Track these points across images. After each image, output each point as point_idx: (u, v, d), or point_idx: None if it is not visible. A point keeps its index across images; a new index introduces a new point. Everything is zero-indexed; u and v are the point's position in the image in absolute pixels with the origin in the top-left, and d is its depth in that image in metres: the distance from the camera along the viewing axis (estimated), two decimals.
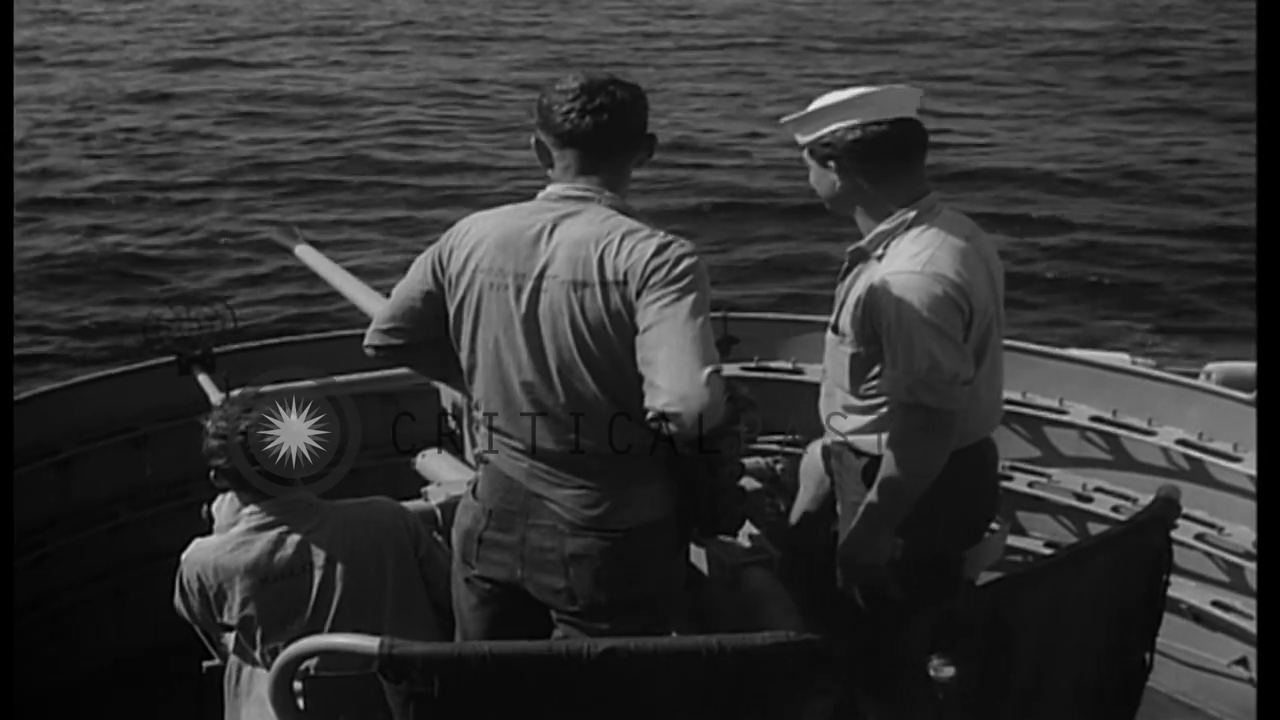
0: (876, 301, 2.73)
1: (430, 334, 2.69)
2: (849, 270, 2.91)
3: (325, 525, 3.01)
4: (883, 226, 2.82)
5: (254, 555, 2.97)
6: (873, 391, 2.83)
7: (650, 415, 2.34)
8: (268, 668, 2.93)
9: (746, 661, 2.18)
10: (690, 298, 2.38)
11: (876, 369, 2.80)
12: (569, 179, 2.57)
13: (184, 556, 3.05)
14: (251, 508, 3.03)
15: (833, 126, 2.80)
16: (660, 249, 2.42)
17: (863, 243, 2.87)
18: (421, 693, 2.11)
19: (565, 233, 2.49)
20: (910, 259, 2.73)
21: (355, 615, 2.94)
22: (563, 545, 2.58)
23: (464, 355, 2.63)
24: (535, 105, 2.60)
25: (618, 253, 2.43)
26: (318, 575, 2.96)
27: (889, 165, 2.80)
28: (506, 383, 2.56)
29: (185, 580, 3.02)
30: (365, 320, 4.36)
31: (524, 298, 2.50)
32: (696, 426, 2.30)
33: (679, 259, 2.41)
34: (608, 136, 2.53)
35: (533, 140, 2.64)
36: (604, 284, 2.43)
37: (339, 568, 2.97)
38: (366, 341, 2.77)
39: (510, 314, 2.52)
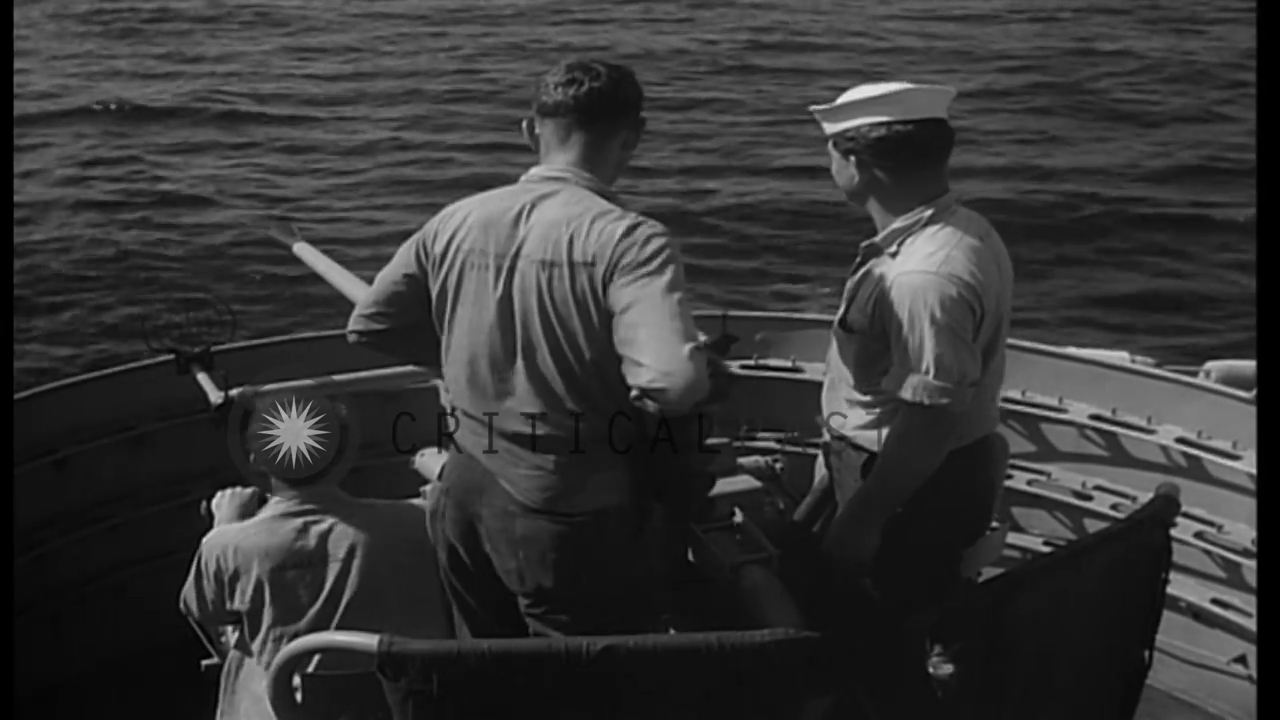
0: (889, 299, 2.72)
1: (412, 319, 2.73)
2: (860, 265, 2.90)
3: (350, 520, 3.04)
4: (898, 223, 2.80)
5: (276, 540, 2.99)
6: (878, 387, 2.83)
7: (634, 394, 2.36)
8: (270, 656, 2.94)
9: (746, 659, 2.18)
10: (664, 276, 2.41)
11: (883, 365, 2.79)
12: (549, 155, 2.63)
13: (205, 540, 3.07)
14: (280, 496, 3.06)
15: (859, 121, 2.79)
16: (628, 231, 2.46)
17: (877, 239, 2.85)
18: (420, 691, 2.11)
19: (541, 213, 2.54)
20: (925, 258, 2.72)
21: (366, 612, 2.96)
22: (513, 526, 2.61)
23: (443, 336, 2.67)
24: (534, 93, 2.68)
25: (587, 235, 2.47)
26: (335, 568, 2.98)
27: (910, 165, 2.79)
28: (475, 361, 2.60)
29: (203, 562, 3.03)
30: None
31: (500, 278, 2.54)
32: (681, 402, 2.32)
33: (648, 239, 2.45)
34: (584, 105, 2.58)
35: (524, 124, 2.70)
36: (571, 265, 2.47)
37: (355, 563, 2.99)
38: (349, 327, 2.82)
39: (486, 293, 2.56)
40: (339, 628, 2.88)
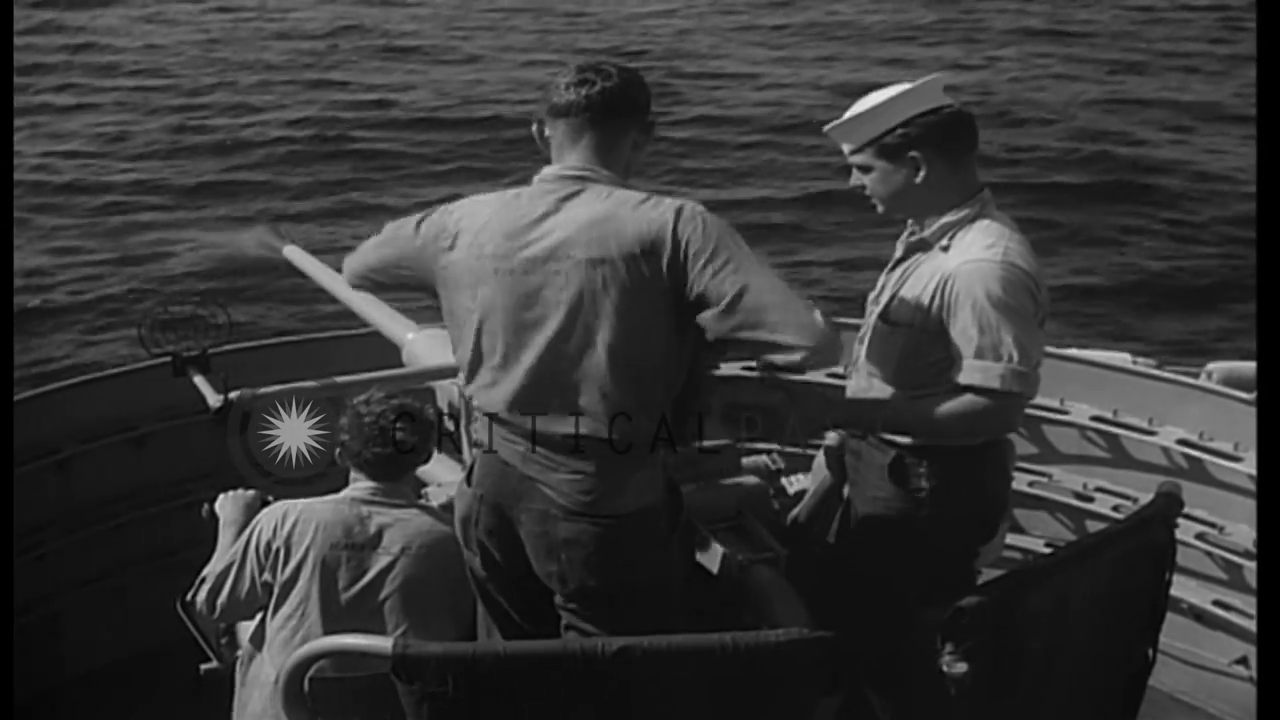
0: (954, 289, 2.70)
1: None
2: (901, 260, 2.89)
3: (413, 521, 3.05)
4: (948, 218, 2.79)
5: (338, 519, 3.01)
6: (919, 381, 2.78)
7: (769, 358, 2.46)
8: (289, 635, 2.94)
9: (758, 659, 2.18)
10: (745, 251, 2.46)
11: (929, 359, 2.76)
12: (562, 156, 2.61)
13: (266, 510, 3.08)
14: (359, 485, 3.08)
15: (904, 115, 2.76)
16: (678, 215, 2.47)
17: (925, 234, 2.83)
18: (435, 693, 2.11)
19: (571, 213, 2.51)
20: (985, 249, 2.70)
21: (400, 614, 2.97)
22: (555, 530, 2.60)
23: (465, 340, 2.64)
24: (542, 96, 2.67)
25: (634, 225, 2.46)
26: (382, 560, 2.99)
27: (966, 147, 2.81)
28: (510, 369, 2.58)
29: (257, 530, 3.02)
30: (359, 321, 4.39)
31: (533, 282, 2.52)
32: (832, 363, 2.42)
33: (703, 221, 2.47)
34: (596, 104, 2.58)
35: (533, 126, 2.69)
36: (625, 258, 2.45)
37: (402, 562, 2.99)
38: (345, 275, 2.94)
39: (515, 300, 2.54)
40: (374, 625, 2.90)
